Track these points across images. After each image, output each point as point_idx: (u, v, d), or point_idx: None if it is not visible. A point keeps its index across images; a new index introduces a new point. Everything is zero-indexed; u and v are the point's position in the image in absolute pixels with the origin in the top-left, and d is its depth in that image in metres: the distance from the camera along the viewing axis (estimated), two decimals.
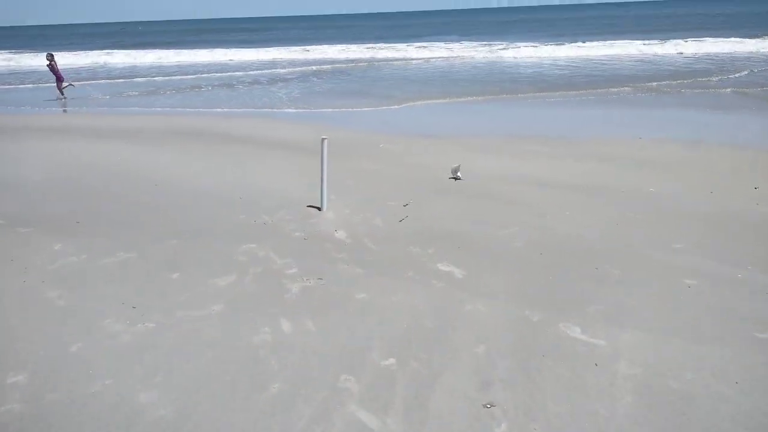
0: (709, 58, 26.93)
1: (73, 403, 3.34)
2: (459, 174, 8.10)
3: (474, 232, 6.20)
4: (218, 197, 7.59)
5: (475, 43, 38.46)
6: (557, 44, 34.36)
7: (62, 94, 17.89)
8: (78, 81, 22.56)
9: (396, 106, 16.24)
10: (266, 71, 28.02)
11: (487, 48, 35.25)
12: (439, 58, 32.99)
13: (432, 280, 4.95)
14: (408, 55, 34.01)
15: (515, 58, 31.35)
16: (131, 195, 7.71)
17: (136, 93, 20.96)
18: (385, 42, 42.28)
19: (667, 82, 19.56)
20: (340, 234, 6.15)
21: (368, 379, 3.53)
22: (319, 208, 7.01)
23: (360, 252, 5.63)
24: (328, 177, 6.98)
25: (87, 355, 3.82)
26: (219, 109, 16.28)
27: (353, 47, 38.39)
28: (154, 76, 26.59)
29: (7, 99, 19.94)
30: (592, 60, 28.12)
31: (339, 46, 39.13)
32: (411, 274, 5.07)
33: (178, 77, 26.05)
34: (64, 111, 17.16)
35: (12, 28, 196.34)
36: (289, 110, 15.88)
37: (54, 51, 21.98)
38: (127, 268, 5.26)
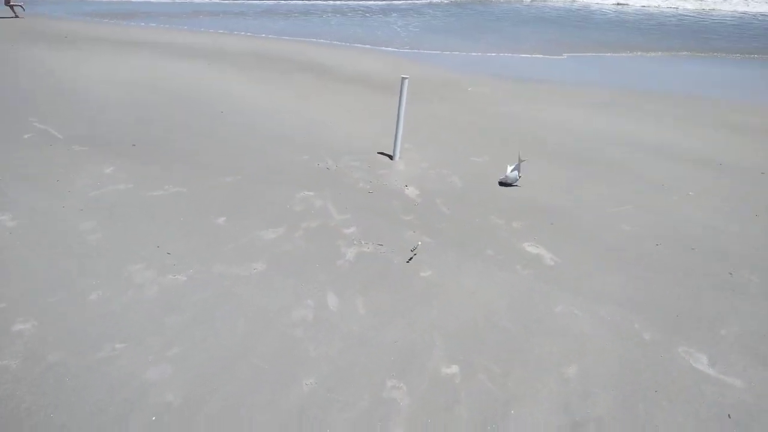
0: None
1: (75, 370, 2.87)
2: (518, 174, 5.60)
3: (573, 207, 5.17)
4: (283, 132, 6.95)
5: None
6: None
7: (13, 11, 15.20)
8: None
9: (508, 54, 14.71)
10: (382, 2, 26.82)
11: None
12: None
13: (515, 263, 4.05)
14: None
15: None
16: (194, 122, 7.21)
17: (242, 13, 20.46)
18: None
19: None
20: (411, 191, 5.31)
21: (422, 390, 2.79)
22: (390, 157, 6.19)
23: (431, 216, 4.80)
24: (406, 122, 6.09)
25: (104, 307, 3.34)
26: (314, 39, 15.46)
27: None
28: None
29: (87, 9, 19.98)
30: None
31: None
32: (490, 253, 4.20)
33: (293, 1, 25.24)
34: (132, 25, 16.96)
35: None
36: (388, 48, 14.79)
37: None
38: (172, 205, 4.75)
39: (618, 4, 29.84)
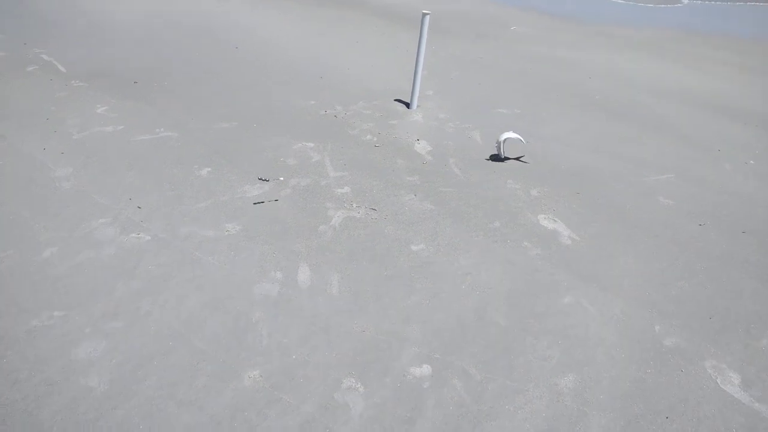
0: None
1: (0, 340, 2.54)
2: (502, 151, 4.64)
3: (606, 171, 4.48)
4: (295, 72, 6.38)
5: None
6: None
7: None
8: None
9: None
10: None
11: None
12: None
13: (524, 240, 3.48)
14: None
15: None
16: (204, 58, 6.73)
17: None
18: None
19: None
20: (422, 146, 4.72)
21: (382, 394, 2.36)
22: (407, 105, 5.53)
23: (439, 177, 4.24)
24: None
25: (54, 267, 3.04)
26: None
27: None
28: None
29: None
30: None
31: None
32: (497, 225, 3.63)
33: None
34: None
35: None
36: None
37: None
38: (157, 152, 4.38)
39: None
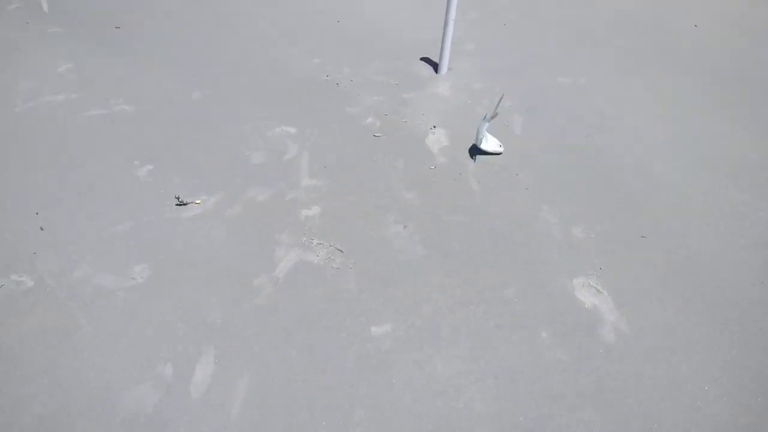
0: None
1: None
2: (481, 137, 3.26)
3: (710, 204, 3.04)
4: (307, 14, 5.07)
5: None
6: None
7: None
8: None
9: None
10: None
11: None
12: None
13: (544, 327, 2.30)
14: None
15: None
16: (196, 4, 5.51)
17: None
18: None
19: None
20: (437, 138, 3.48)
21: None
22: (435, 68, 4.17)
23: (447, 195, 3.10)
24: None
25: None
26: None
27: None
28: None
29: None
30: None
31: None
32: (509, 294, 2.44)
33: None
34: None
35: None
36: None
37: None
38: (99, 135, 3.56)
39: None
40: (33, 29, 4.79)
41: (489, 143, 3.20)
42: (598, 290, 2.45)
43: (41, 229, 2.76)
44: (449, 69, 4.16)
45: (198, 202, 2.94)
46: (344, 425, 1.95)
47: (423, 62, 4.30)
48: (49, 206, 2.89)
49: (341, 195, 2.99)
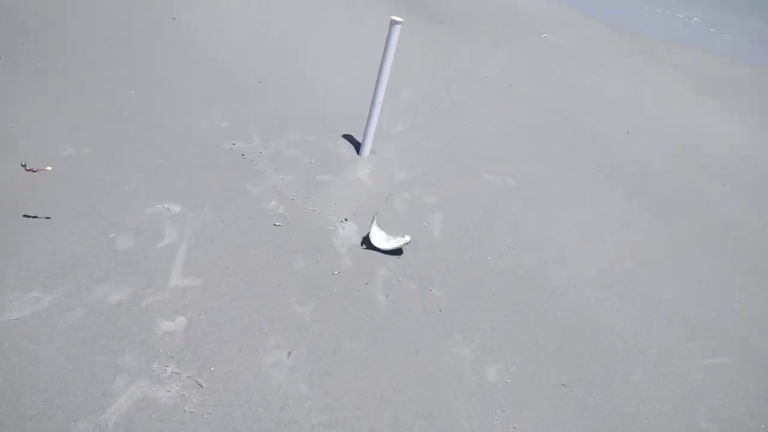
0: None
1: None
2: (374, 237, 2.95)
3: (632, 336, 2.70)
4: (227, 69, 4.54)
5: None
6: None
7: None
8: None
9: None
10: None
11: None
12: None
13: None
14: None
15: None
16: (128, 31, 4.89)
17: None
18: None
19: None
20: (347, 234, 3.05)
21: None
22: (358, 148, 3.73)
23: (347, 310, 2.65)
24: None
25: None
26: None
27: None
28: None
29: None
30: None
31: None
32: None
33: None
34: None
35: None
36: None
37: None
38: None
39: None
40: None
41: (377, 238, 2.78)
42: None
43: None
44: (372, 152, 3.75)
45: (48, 168, 2.54)
46: None
47: (345, 140, 3.87)
48: None
49: (217, 303, 2.40)
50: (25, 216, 2.54)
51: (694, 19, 9.17)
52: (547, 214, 3.48)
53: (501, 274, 2.89)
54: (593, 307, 2.81)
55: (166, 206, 2.95)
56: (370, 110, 3.54)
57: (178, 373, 2.11)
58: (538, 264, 3.03)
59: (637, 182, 4.11)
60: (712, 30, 8.73)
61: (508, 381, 2.31)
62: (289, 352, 2.28)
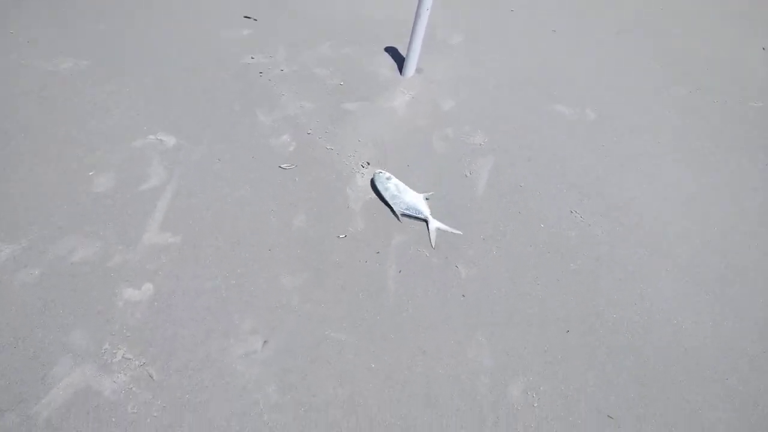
0: None
1: None
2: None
3: None
4: None
5: None
6: None
7: None
8: None
9: None
10: None
11: None
12: None
13: None
14: None
15: None
16: None
17: None
18: None
19: None
20: (365, 184, 2.44)
21: None
22: (400, 68, 3.04)
23: (348, 289, 2.13)
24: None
25: None
26: None
27: None
28: None
29: None
30: None
31: None
32: None
33: None
34: None
35: None
36: None
37: None
38: None
39: None
40: None
41: (406, 198, 2.17)
42: None
43: None
44: (418, 71, 3.01)
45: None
46: None
47: (387, 54, 3.14)
48: None
49: (193, 269, 1.98)
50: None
51: None
52: (635, 168, 2.65)
53: (554, 251, 2.21)
54: (679, 314, 2.09)
55: (159, 138, 2.48)
56: (416, 15, 2.76)
57: (129, 359, 1.74)
58: (608, 239, 2.30)
59: None
60: None
61: (535, 405, 1.73)
62: (265, 341, 1.82)
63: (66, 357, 1.73)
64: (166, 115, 2.59)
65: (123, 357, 1.76)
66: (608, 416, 1.72)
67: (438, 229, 2.19)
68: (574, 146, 2.72)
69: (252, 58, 3.00)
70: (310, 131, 2.62)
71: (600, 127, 2.87)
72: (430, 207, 2.29)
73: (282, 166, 2.44)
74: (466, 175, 2.50)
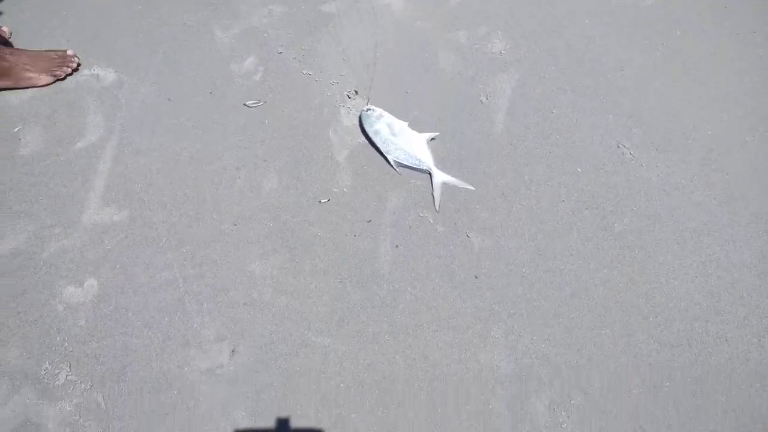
0: None
1: None
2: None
3: None
4: None
5: None
6: None
7: None
8: None
9: None
10: None
11: None
12: None
13: None
14: None
15: None
16: None
17: None
18: None
19: None
20: (351, 123, 1.96)
21: None
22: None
23: (335, 267, 1.68)
24: None
25: None
26: None
27: None
28: None
29: None
30: None
31: None
32: None
33: None
34: None
35: None
36: None
37: None
38: None
39: None
40: None
41: (402, 142, 1.67)
42: None
43: None
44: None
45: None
46: None
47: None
48: None
49: (144, 254, 1.62)
50: None
51: None
52: (706, 80, 1.99)
53: (593, 207, 1.70)
54: (750, 311, 1.61)
55: (95, 71, 1.94)
56: None
57: (74, 382, 1.44)
58: (667, 186, 1.75)
59: None
60: None
61: (564, 426, 1.38)
62: (233, 350, 1.47)
63: (3, 381, 1.43)
64: (101, 39, 2.01)
65: (67, 379, 1.45)
66: None
67: (444, 184, 1.68)
68: (624, 46, 2.04)
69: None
70: (280, 49, 2.01)
71: (660, 15, 2.14)
72: (436, 152, 1.75)
73: (247, 103, 1.89)
74: (481, 101, 1.90)
